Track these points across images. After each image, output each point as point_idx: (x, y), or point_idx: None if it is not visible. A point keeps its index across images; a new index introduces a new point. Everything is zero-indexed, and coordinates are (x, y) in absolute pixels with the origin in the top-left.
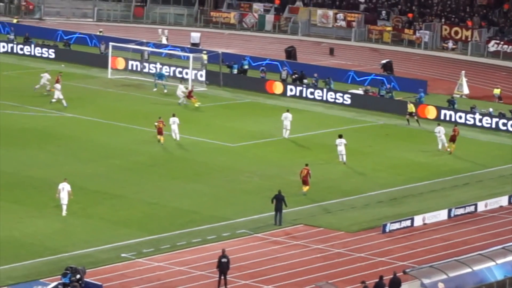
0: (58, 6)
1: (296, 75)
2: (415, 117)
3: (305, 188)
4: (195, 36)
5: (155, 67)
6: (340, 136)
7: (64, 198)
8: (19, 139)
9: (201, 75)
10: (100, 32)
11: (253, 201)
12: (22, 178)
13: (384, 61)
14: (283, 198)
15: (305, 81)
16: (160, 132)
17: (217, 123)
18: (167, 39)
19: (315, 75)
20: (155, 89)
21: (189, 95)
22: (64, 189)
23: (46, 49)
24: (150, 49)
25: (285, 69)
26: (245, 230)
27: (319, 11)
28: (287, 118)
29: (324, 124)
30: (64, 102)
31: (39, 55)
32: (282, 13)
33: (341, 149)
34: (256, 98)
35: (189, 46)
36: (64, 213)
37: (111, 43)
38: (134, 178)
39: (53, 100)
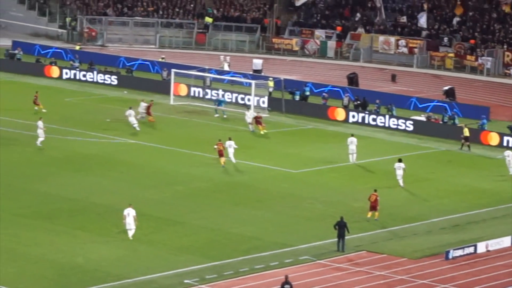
0: (120, 32)
1: (358, 102)
2: (467, 143)
3: (371, 214)
4: (257, 62)
5: (217, 94)
6: (400, 160)
7: (130, 223)
8: (82, 165)
9: (263, 102)
10: (162, 58)
11: (315, 228)
12: (85, 204)
13: (446, 88)
14: (345, 225)
15: (367, 108)
16: (221, 155)
17: (279, 149)
18: (229, 66)
19: (377, 101)
20: (216, 115)
21: (257, 121)
22: (130, 214)
23: (109, 76)
24: (212, 75)
25: (347, 96)
26: (308, 257)
27: (381, 38)
28: (352, 142)
29: (386, 150)
30: (137, 126)
31: (102, 81)
32: (344, 39)
33: (400, 173)
34: (318, 125)
35: (251, 72)
36: (130, 237)
37: (173, 70)
38: (197, 204)
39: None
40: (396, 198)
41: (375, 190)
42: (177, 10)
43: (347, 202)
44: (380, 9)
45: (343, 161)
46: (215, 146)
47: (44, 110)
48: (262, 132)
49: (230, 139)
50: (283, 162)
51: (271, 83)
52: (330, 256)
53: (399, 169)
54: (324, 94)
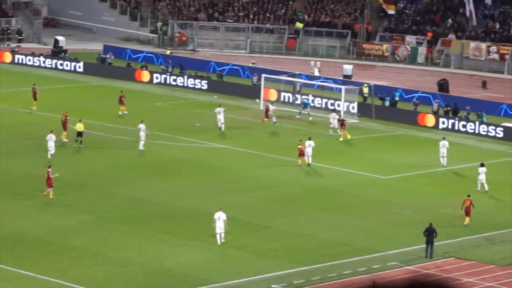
0: (211, 37)
1: (448, 108)
2: None
3: (467, 220)
4: (348, 68)
5: (307, 99)
6: (482, 165)
7: (220, 227)
8: (171, 169)
9: (353, 107)
10: (253, 63)
11: (404, 234)
12: (173, 208)
13: None
14: (434, 231)
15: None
16: (301, 154)
17: (368, 155)
18: (319, 71)
19: (467, 108)
20: (298, 116)
21: (342, 125)
22: (220, 218)
23: (199, 80)
24: (302, 80)
25: (437, 102)
26: (396, 263)
27: (472, 44)
28: (444, 145)
29: (476, 157)
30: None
31: (192, 86)
32: (435, 45)
33: (482, 177)
34: (407, 131)
35: (341, 78)
36: (219, 242)
37: (263, 75)
38: (285, 209)
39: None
40: (485, 204)
41: (469, 196)
42: (267, 15)
43: (436, 208)
44: (471, 15)
45: (432, 167)
46: (299, 146)
47: (125, 112)
48: (348, 137)
49: (310, 139)
50: (372, 168)
51: (366, 89)
52: (418, 262)
53: (482, 173)
54: (414, 100)
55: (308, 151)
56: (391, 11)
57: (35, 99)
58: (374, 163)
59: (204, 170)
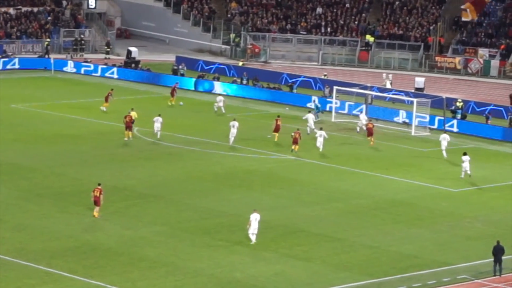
0: (283, 49)
1: None
2: None
3: None
4: (420, 80)
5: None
6: (465, 154)
7: (255, 227)
8: (243, 181)
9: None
10: (325, 75)
11: (475, 247)
12: (244, 220)
13: None
14: (502, 249)
15: None
16: (295, 142)
17: (439, 167)
18: (391, 84)
19: None
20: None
21: (369, 133)
22: (256, 219)
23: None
24: (373, 93)
25: (511, 115)
26: (466, 276)
27: None
28: (445, 138)
29: None
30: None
31: (264, 98)
32: (508, 58)
33: (466, 165)
34: (479, 144)
35: (413, 90)
36: (253, 241)
37: (335, 87)
38: (356, 222)
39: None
40: None
41: None
42: (340, 27)
43: (508, 222)
44: None
45: (504, 181)
46: (292, 134)
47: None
48: (371, 143)
49: (321, 129)
50: (443, 181)
51: (459, 104)
52: (488, 276)
53: (466, 161)
54: (486, 113)
55: (320, 140)
56: (469, 19)
57: (106, 101)
58: (444, 176)
59: (276, 182)
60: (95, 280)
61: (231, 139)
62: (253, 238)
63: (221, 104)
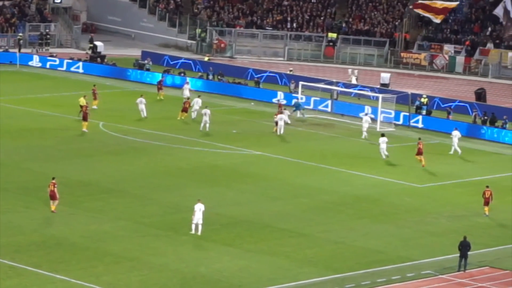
0: (249, 44)
1: (486, 117)
2: None
3: (487, 209)
4: (385, 76)
5: (298, 100)
6: (456, 128)
7: (199, 218)
8: (208, 176)
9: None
10: (290, 71)
11: (439, 243)
12: (210, 215)
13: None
14: (468, 245)
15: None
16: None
17: (404, 163)
18: (357, 79)
19: (505, 117)
20: (299, 115)
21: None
22: (201, 209)
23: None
24: (339, 88)
25: (475, 111)
26: (430, 271)
27: (510, 53)
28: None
29: None
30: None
31: (229, 93)
32: (473, 55)
33: (455, 141)
34: (444, 140)
35: (378, 86)
36: (193, 231)
37: (301, 82)
38: (321, 217)
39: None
40: None
41: (487, 186)
42: (306, 23)
43: (472, 218)
44: (506, 25)
45: (468, 177)
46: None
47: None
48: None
49: (282, 113)
50: (408, 176)
51: (424, 100)
52: (452, 271)
53: (455, 137)
54: (447, 108)
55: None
56: (438, 20)
57: (95, 98)
58: (409, 172)
59: (241, 177)
60: (60, 275)
61: (203, 125)
62: (198, 229)
63: (197, 107)
